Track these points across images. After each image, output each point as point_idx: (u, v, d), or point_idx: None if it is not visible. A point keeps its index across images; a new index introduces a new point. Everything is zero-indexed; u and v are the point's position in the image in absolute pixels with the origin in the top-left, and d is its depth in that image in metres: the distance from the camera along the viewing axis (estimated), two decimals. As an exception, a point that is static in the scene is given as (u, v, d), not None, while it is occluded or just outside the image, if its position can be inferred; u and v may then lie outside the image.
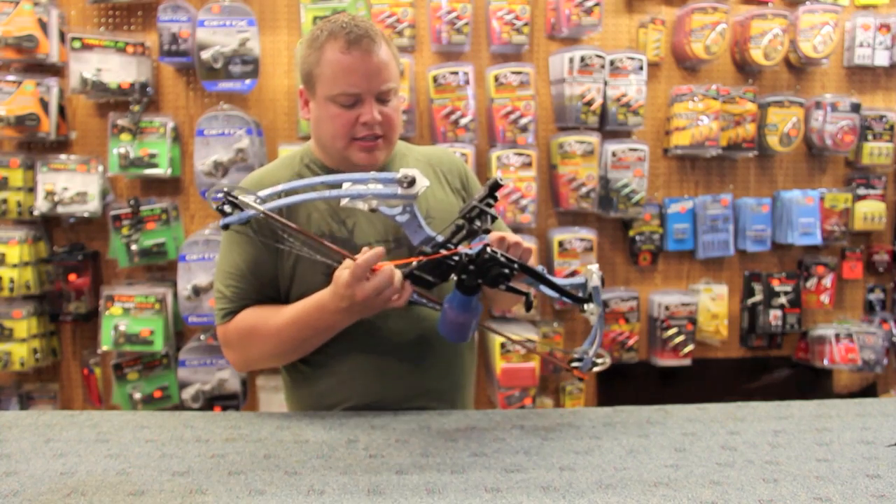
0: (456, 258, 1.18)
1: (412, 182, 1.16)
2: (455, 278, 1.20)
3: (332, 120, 1.38)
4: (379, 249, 1.21)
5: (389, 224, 1.43)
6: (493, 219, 1.23)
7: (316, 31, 1.40)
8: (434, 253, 1.19)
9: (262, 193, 1.20)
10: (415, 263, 1.20)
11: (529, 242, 1.32)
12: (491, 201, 1.22)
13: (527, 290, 1.26)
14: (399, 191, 1.17)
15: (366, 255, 1.20)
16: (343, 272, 1.23)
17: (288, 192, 1.23)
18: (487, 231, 1.21)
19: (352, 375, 1.45)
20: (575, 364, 1.32)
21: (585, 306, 1.32)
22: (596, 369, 1.33)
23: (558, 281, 1.29)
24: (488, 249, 1.18)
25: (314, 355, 1.45)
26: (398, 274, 1.22)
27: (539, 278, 1.27)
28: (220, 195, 1.17)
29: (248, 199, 1.18)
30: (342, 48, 1.35)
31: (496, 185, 1.21)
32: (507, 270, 1.19)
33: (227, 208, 1.18)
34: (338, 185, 1.21)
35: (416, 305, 1.37)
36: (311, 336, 1.36)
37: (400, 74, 1.45)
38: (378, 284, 1.21)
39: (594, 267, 1.33)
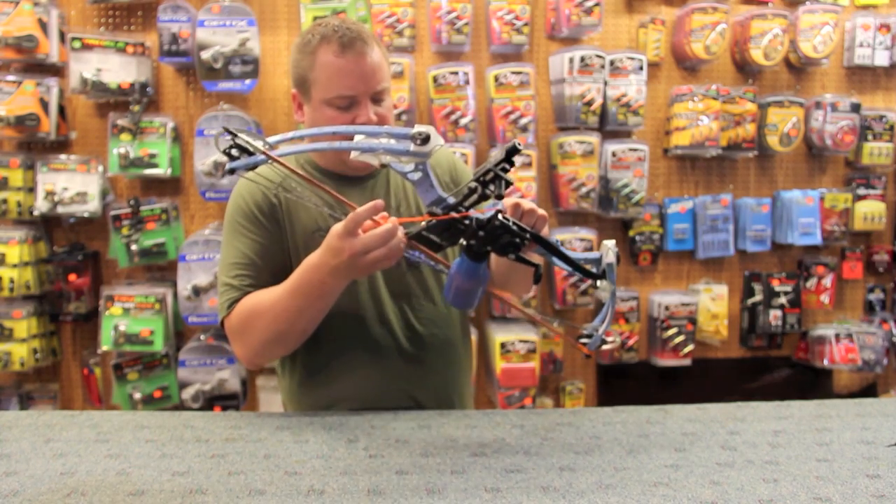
0: (466, 222, 1.13)
1: (426, 139, 1.10)
2: (464, 243, 1.15)
3: (328, 122, 1.39)
4: (378, 202, 1.17)
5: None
6: (508, 184, 1.17)
7: (307, 36, 1.41)
8: (444, 214, 1.13)
9: (272, 139, 1.14)
10: (423, 223, 1.15)
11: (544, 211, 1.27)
12: (507, 166, 1.14)
13: (537, 263, 1.20)
14: (412, 147, 1.11)
15: (364, 206, 1.16)
16: (338, 224, 1.20)
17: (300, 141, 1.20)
18: (501, 196, 1.15)
19: (349, 376, 1.45)
20: (583, 340, 1.27)
21: (599, 283, 1.25)
22: (605, 347, 1.27)
23: (572, 255, 1.23)
24: (500, 216, 1.12)
25: (311, 357, 1.45)
26: (399, 232, 1.18)
27: (552, 250, 1.20)
28: (228, 136, 1.11)
29: (257, 144, 1.11)
30: (336, 51, 1.36)
31: (514, 150, 1.13)
32: (517, 239, 1.13)
33: (235, 152, 1.11)
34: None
35: (408, 302, 1.34)
36: (306, 306, 1.31)
37: (392, 74, 1.45)
38: (370, 240, 1.16)
39: (610, 242, 1.25)
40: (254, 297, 1.38)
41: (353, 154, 1.13)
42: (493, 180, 1.14)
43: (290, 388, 1.54)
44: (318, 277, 1.26)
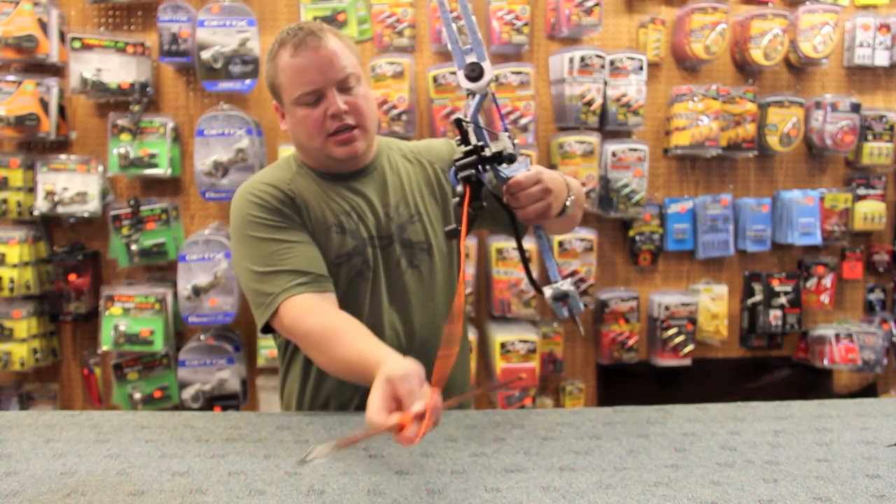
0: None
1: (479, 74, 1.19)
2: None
3: (302, 122, 1.39)
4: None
5: (383, 221, 1.45)
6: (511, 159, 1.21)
7: (271, 46, 1.43)
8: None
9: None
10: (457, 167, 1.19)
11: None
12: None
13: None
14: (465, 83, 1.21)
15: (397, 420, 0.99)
16: (376, 399, 1.02)
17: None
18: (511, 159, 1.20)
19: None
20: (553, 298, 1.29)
21: (544, 290, 1.28)
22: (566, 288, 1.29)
23: (553, 263, 1.29)
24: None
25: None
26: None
27: (518, 237, 1.30)
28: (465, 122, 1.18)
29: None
30: (291, 53, 1.38)
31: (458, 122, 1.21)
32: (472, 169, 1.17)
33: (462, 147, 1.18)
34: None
35: (408, 301, 1.39)
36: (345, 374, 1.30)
37: (359, 62, 1.45)
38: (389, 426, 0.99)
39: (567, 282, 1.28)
40: (318, 314, 1.32)
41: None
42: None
43: (290, 386, 1.54)
44: (374, 366, 1.14)
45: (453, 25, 1.22)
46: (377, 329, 1.44)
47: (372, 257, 1.44)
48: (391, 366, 1.07)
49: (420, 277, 1.48)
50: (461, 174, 1.17)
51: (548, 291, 1.28)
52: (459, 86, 1.23)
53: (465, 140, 1.19)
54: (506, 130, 1.25)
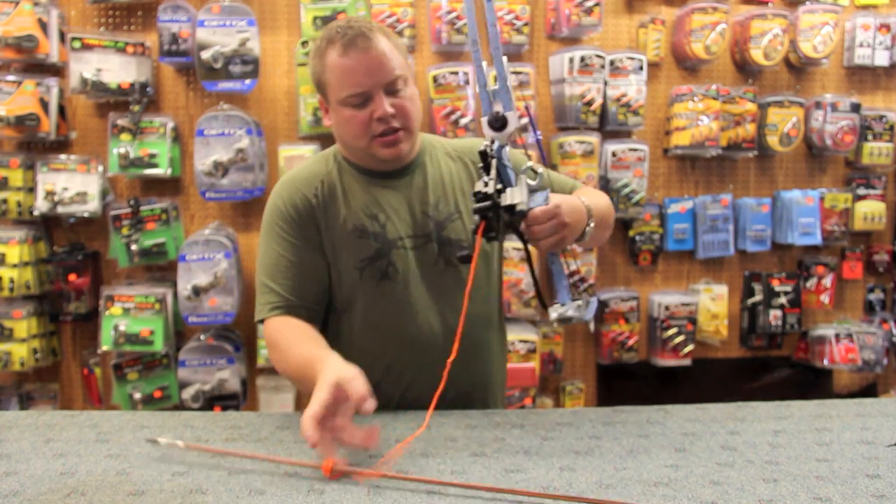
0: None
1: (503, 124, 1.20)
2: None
3: (348, 122, 1.41)
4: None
5: (420, 219, 1.46)
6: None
7: (318, 41, 1.43)
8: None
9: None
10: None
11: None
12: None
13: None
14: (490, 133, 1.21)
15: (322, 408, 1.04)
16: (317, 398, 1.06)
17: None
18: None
19: (384, 374, 1.45)
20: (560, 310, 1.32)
21: (550, 309, 1.32)
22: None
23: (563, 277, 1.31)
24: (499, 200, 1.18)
25: (347, 356, 1.47)
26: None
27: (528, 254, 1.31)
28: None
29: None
30: (340, 52, 1.38)
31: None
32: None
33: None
34: None
35: (445, 300, 1.40)
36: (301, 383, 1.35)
37: (406, 62, 1.46)
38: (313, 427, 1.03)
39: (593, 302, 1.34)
40: (284, 331, 1.40)
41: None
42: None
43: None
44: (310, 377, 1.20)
45: (484, 67, 1.22)
46: (413, 328, 1.45)
47: (400, 258, 1.44)
48: (339, 368, 1.12)
49: (458, 276, 1.47)
50: (476, 207, 1.19)
51: (553, 314, 1.31)
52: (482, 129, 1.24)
53: (486, 169, 1.21)
54: (537, 140, 1.29)
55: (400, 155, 1.43)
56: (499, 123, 1.20)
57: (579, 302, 1.32)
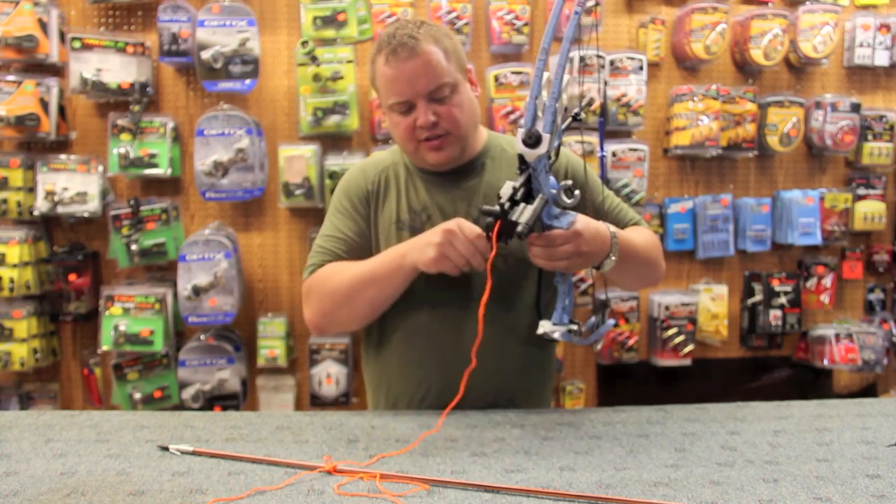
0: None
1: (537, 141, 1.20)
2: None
3: (396, 127, 1.47)
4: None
5: (478, 220, 1.45)
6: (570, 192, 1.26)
7: (374, 45, 1.48)
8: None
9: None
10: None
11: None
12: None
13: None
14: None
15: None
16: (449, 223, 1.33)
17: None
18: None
19: (428, 373, 1.47)
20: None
21: (541, 323, 1.34)
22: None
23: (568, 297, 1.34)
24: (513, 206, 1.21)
25: (391, 353, 1.51)
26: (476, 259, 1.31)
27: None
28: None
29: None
30: (384, 61, 1.42)
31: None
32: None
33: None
34: None
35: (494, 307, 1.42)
36: (371, 283, 1.41)
37: (458, 65, 1.48)
38: (464, 233, 1.30)
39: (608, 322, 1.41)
40: (334, 265, 1.49)
41: None
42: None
43: (369, 384, 1.62)
44: (399, 251, 1.40)
45: (544, 79, 1.24)
46: (444, 328, 1.46)
47: None
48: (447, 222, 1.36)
49: (497, 280, 1.47)
50: (483, 209, 1.23)
51: (540, 329, 1.33)
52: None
53: (522, 173, 1.23)
54: (601, 157, 1.45)
55: (447, 160, 1.47)
56: (532, 140, 1.19)
57: (573, 327, 1.33)
